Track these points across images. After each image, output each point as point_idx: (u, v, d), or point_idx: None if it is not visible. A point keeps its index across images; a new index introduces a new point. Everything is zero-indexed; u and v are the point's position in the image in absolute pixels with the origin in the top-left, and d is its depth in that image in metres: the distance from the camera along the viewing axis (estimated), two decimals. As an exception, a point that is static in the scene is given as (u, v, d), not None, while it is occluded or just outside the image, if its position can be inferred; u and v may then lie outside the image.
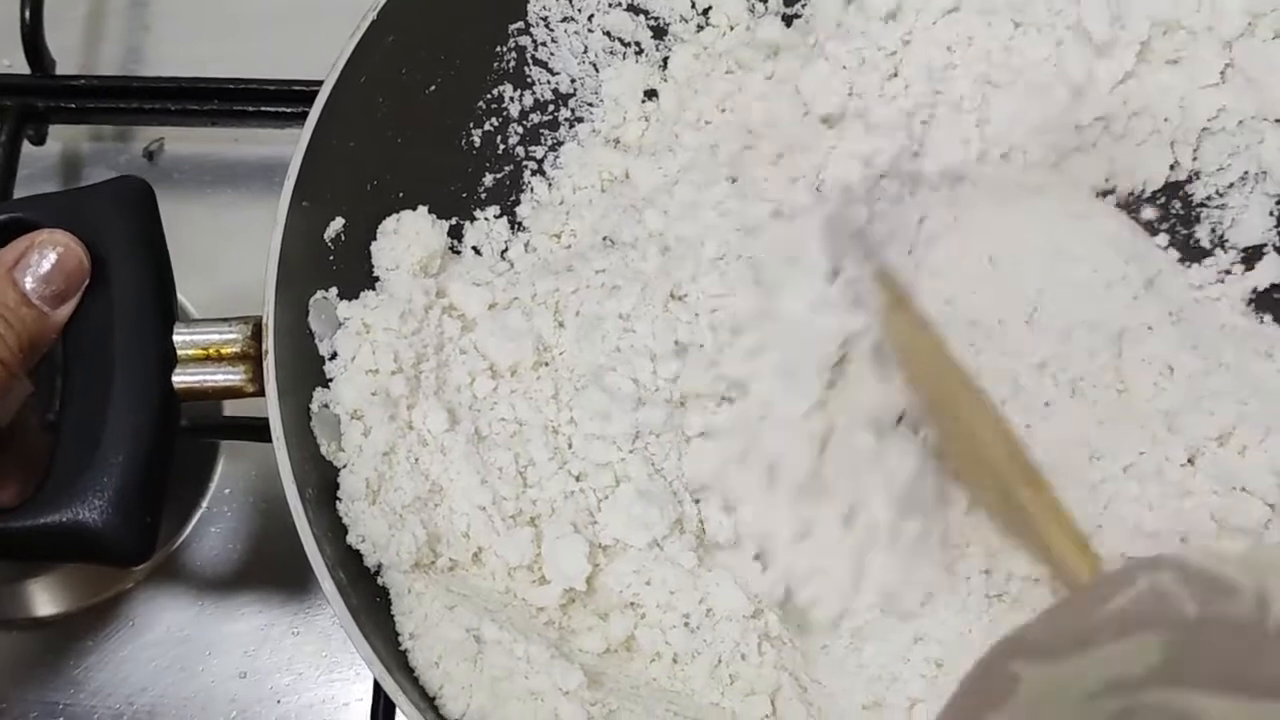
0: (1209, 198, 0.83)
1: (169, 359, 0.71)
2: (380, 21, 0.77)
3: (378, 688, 0.82)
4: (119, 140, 1.04)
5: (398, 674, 0.67)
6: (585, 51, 0.87)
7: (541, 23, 0.86)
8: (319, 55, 0.94)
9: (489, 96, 0.86)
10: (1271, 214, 0.82)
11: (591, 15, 0.87)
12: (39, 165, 1.02)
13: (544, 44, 0.87)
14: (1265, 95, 0.81)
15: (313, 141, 0.75)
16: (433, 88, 0.83)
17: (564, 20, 0.87)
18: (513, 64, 0.86)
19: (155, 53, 1.07)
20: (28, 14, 0.97)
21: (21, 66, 0.99)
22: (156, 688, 0.89)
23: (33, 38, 0.98)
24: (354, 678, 0.89)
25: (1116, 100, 0.82)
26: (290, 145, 0.91)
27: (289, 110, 0.96)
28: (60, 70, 1.01)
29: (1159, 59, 0.82)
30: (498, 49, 0.85)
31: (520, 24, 0.86)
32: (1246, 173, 0.82)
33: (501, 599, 0.74)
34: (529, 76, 0.87)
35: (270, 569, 0.92)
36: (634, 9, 0.87)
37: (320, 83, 0.88)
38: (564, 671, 0.70)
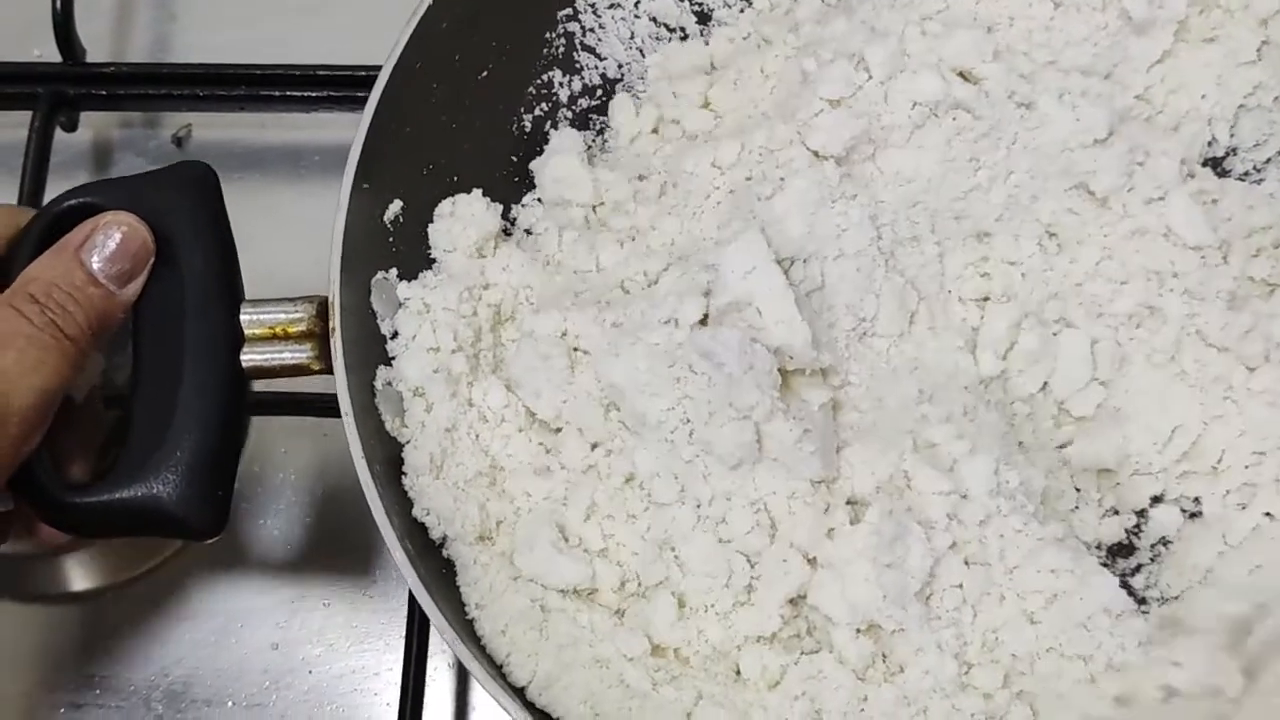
0: (1246, 173, 0.85)
1: (237, 338, 0.72)
2: (435, 7, 0.79)
3: (408, 656, 0.84)
4: (148, 126, 1.06)
5: (468, 642, 0.69)
6: (632, 37, 0.89)
7: (589, 9, 0.88)
8: (343, 41, 0.99)
9: (539, 82, 0.87)
10: (1309, 189, 0.84)
11: (638, 1, 0.89)
12: (70, 152, 1.04)
13: (591, 30, 0.88)
14: (1301, 71, 0.82)
15: (372, 126, 0.76)
16: (485, 74, 0.84)
17: (611, 7, 0.88)
18: (562, 50, 0.88)
19: (183, 41, 1.09)
20: (59, 4, 0.99)
21: (53, 55, 1.01)
22: (191, 660, 0.91)
23: (64, 27, 1.00)
24: (384, 648, 0.90)
25: (1155, 78, 0.83)
26: (317, 130, 0.93)
27: (315, 95, 0.98)
28: (91, 58, 1.03)
29: (1196, 37, 0.84)
30: (547, 35, 0.87)
31: (569, 10, 0.87)
32: (1284, 148, 0.84)
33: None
34: (578, 62, 0.88)
35: (299, 542, 0.94)
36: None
37: (346, 68, 0.93)
38: (628, 638, 0.71)
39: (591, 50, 0.89)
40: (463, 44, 0.82)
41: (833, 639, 0.72)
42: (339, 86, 0.97)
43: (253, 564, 0.93)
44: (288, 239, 0.96)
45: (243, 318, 0.72)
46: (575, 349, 0.78)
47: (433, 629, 0.69)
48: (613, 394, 0.75)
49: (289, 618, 0.91)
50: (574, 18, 0.88)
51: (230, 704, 0.90)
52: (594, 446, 0.76)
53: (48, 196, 0.95)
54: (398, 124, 0.78)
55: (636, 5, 0.89)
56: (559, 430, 0.77)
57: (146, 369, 0.72)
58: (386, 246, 0.79)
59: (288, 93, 0.99)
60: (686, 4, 0.89)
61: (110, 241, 0.70)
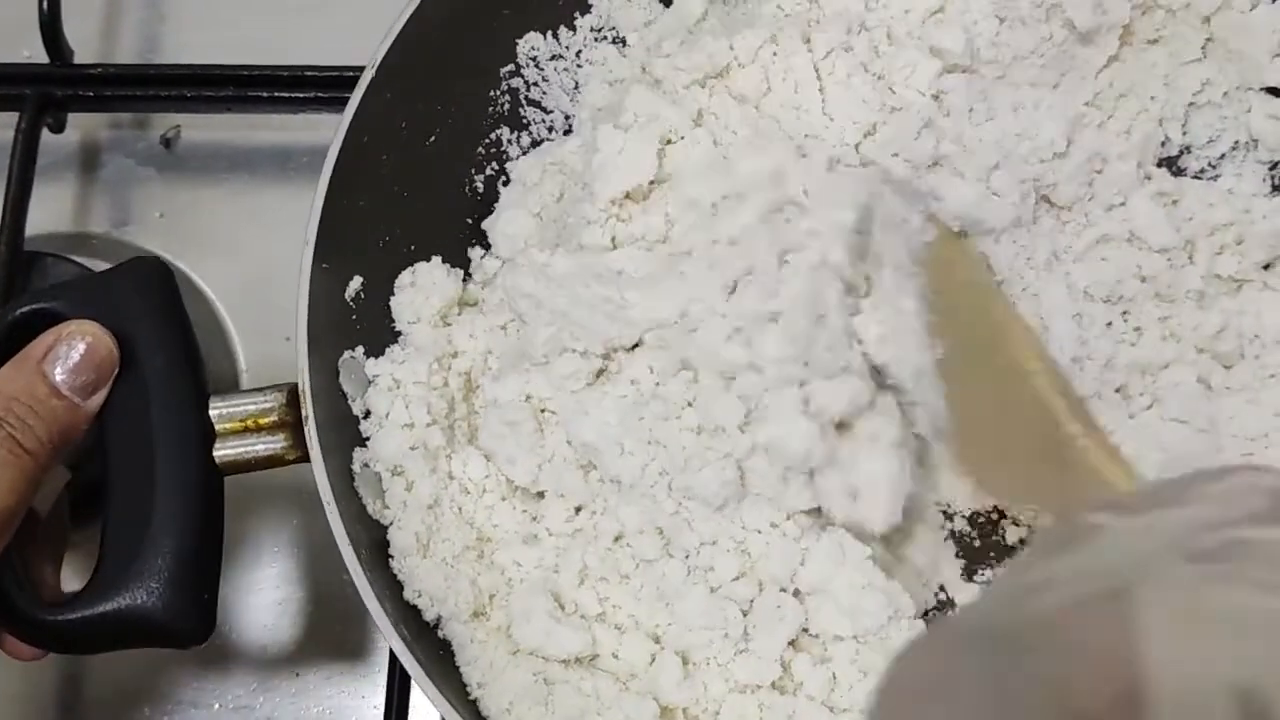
0: (1202, 170, 0.85)
1: (207, 434, 0.71)
2: (378, 79, 0.78)
3: (392, 672, 0.82)
4: (136, 128, 1.05)
5: (475, 725, 0.67)
6: (576, 88, 0.88)
7: (531, 63, 0.87)
8: (331, 42, 0.99)
9: (487, 141, 0.86)
10: (1265, 181, 0.84)
11: (579, 51, 0.88)
12: (58, 154, 1.03)
13: (535, 84, 0.87)
14: (1247, 65, 0.83)
15: (326, 205, 0.75)
16: (433, 138, 0.83)
17: (553, 59, 0.87)
18: (507, 107, 0.87)
19: (172, 41, 1.08)
20: (46, 4, 0.97)
21: (40, 56, 1.00)
22: (177, 662, 0.89)
23: (51, 27, 0.98)
24: (373, 652, 0.89)
25: (1103, 83, 0.83)
26: (305, 131, 0.94)
27: (303, 96, 0.97)
28: (78, 59, 1.02)
29: (1141, 40, 0.84)
30: (491, 93, 0.86)
31: (511, 66, 0.86)
32: (1237, 142, 0.84)
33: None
34: (524, 117, 0.87)
35: (285, 544, 0.92)
36: (619, 41, 0.88)
37: (335, 68, 0.94)
38: (637, 705, 0.70)
39: (537, 104, 0.87)
40: (409, 111, 0.81)
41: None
42: (327, 87, 0.96)
43: (241, 566, 0.91)
44: (276, 241, 0.97)
45: (212, 413, 0.71)
46: (543, 410, 0.77)
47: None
48: (587, 453, 0.74)
49: (276, 619, 0.91)
50: (517, 73, 0.86)
51: (217, 706, 0.89)
52: (578, 510, 0.75)
53: (35, 198, 0.94)
54: (350, 199, 0.77)
55: (578, 55, 0.88)
56: (541, 495, 0.76)
57: (117, 475, 0.70)
58: (350, 325, 0.78)
59: (276, 94, 0.98)
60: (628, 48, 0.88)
61: (74, 353, 0.68)
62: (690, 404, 0.73)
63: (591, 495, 0.75)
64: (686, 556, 0.72)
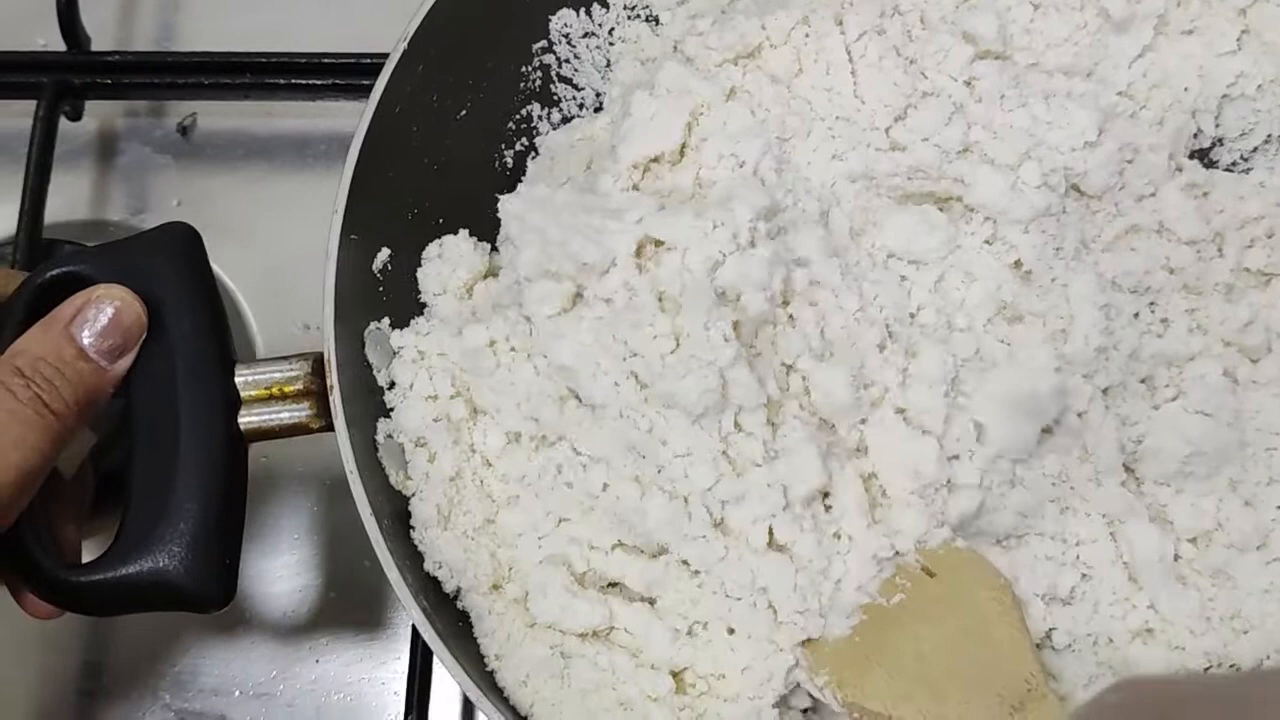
0: (1234, 163, 0.85)
1: (233, 401, 0.71)
2: (410, 51, 0.78)
3: (414, 644, 0.84)
4: (153, 115, 1.06)
5: (491, 695, 0.68)
6: (608, 65, 0.88)
7: (564, 39, 0.87)
8: (348, 28, 1.01)
9: (518, 117, 0.87)
10: (1297, 174, 0.83)
11: (611, 29, 0.87)
12: (76, 141, 1.04)
13: (567, 60, 0.87)
14: (1282, 58, 0.82)
15: (355, 176, 0.75)
16: (464, 112, 0.83)
17: (585, 36, 0.87)
18: (539, 83, 0.87)
19: (188, 29, 1.09)
20: None
21: (58, 44, 1.01)
22: (197, 649, 0.91)
23: (68, 15, 0.99)
24: (390, 636, 0.90)
25: (1136, 73, 0.83)
26: (322, 118, 0.95)
27: (320, 83, 0.98)
28: (95, 47, 1.02)
29: (1175, 30, 0.83)
30: (523, 69, 0.86)
31: (543, 42, 0.86)
32: (1270, 136, 0.84)
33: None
34: (555, 94, 0.88)
35: (305, 531, 0.93)
36: (652, 19, 0.88)
37: (351, 55, 0.94)
38: (651, 679, 0.70)
39: (569, 81, 0.88)
40: (440, 85, 0.81)
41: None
42: (344, 74, 0.97)
43: (260, 552, 0.92)
44: (293, 227, 0.99)
45: (237, 379, 0.71)
46: (512, 349, 0.76)
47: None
48: (565, 377, 0.74)
49: (296, 606, 0.91)
50: (549, 49, 0.87)
51: (237, 693, 0.90)
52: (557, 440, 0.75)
53: (53, 186, 0.95)
54: (380, 171, 0.77)
55: (611, 32, 0.88)
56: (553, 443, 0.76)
57: (142, 439, 0.70)
58: (377, 296, 0.78)
59: (293, 80, 0.98)
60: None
61: (102, 316, 0.68)
62: (664, 311, 0.72)
63: (568, 425, 0.74)
64: (659, 471, 0.72)
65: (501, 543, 0.75)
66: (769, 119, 0.78)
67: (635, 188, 0.77)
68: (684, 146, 0.77)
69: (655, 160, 0.77)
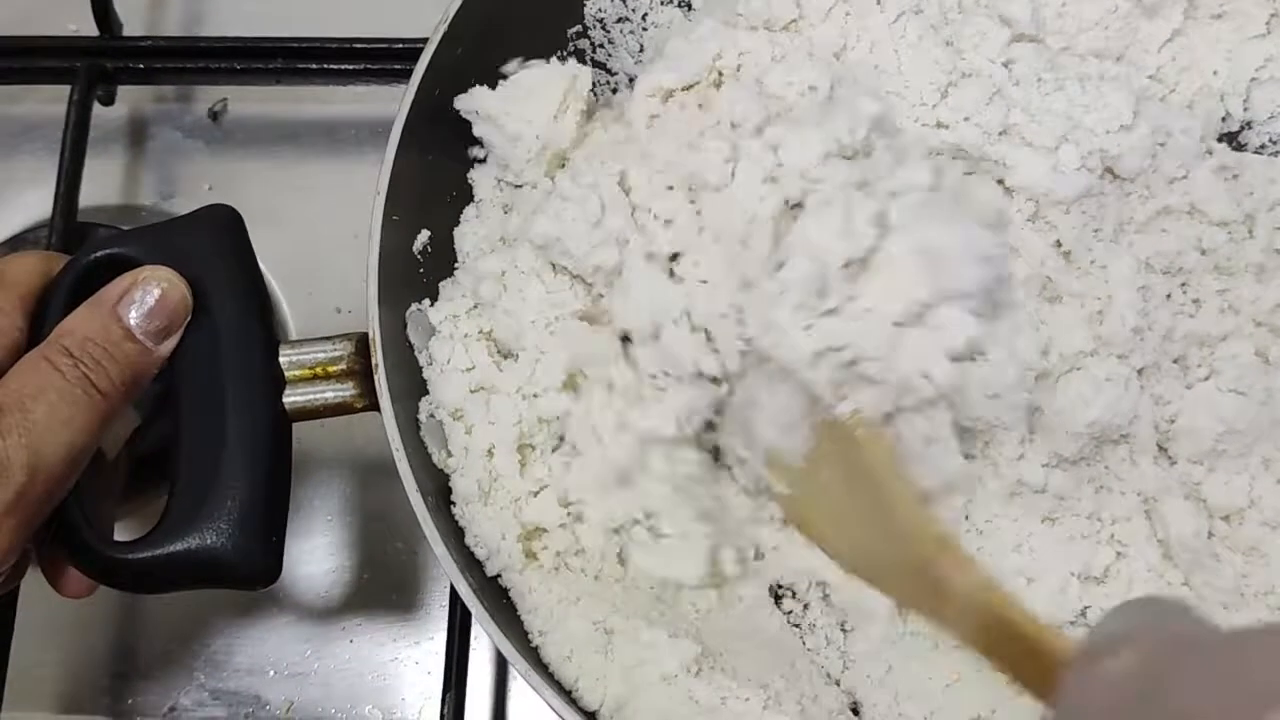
0: (1262, 146, 0.85)
1: (277, 381, 0.72)
2: (450, 33, 0.78)
3: (452, 625, 0.84)
4: (184, 101, 1.06)
5: (539, 670, 0.68)
6: (641, 50, 0.89)
7: (598, 24, 0.88)
8: (380, 13, 1.01)
9: (553, 101, 0.87)
10: (1326, 157, 0.84)
11: (645, 14, 0.88)
12: (108, 127, 1.04)
13: (601, 46, 0.88)
14: (1312, 41, 0.83)
15: (397, 158, 0.75)
16: (501, 96, 0.84)
17: (619, 21, 0.88)
18: (573, 67, 0.87)
19: (218, 14, 1.09)
20: None
21: (90, 30, 1.01)
22: (232, 629, 0.91)
23: (100, 1, 1.00)
24: (425, 617, 0.91)
25: (1166, 57, 0.83)
26: (353, 103, 0.96)
27: (351, 68, 0.98)
28: (127, 32, 1.03)
29: (1205, 14, 0.84)
30: (559, 53, 0.86)
31: (578, 27, 0.87)
32: (1299, 119, 0.85)
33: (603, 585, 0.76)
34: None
35: (340, 512, 0.94)
36: (685, 4, 0.88)
37: (384, 40, 0.95)
38: (686, 649, 0.71)
39: (602, 66, 0.88)
40: (478, 68, 0.81)
41: None
42: (376, 59, 0.97)
43: (294, 534, 0.92)
44: (324, 213, 1.00)
45: (282, 360, 0.72)
46: (521, 273, 0.78)
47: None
48: (548, 245, 0.75)
49: (330, 587, 0.92)
50: (583, 34, 0.87)
51: (272, 673, 0.91)
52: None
53: (87, 172, 0.96)
54: (420, 153, 0.78)
55: (644, 18, 0.88)
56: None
57: (187, 420, 0.71)
58: (418, 278, 0.79)
59: (324, 65, 0.99)
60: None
61: (149, 298, 0.69)
62: None
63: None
64: None
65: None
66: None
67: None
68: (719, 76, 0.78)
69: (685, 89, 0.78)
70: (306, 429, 0.88)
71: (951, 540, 0.68)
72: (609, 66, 0.88)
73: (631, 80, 0.88)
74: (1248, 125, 0.85)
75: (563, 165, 0.81)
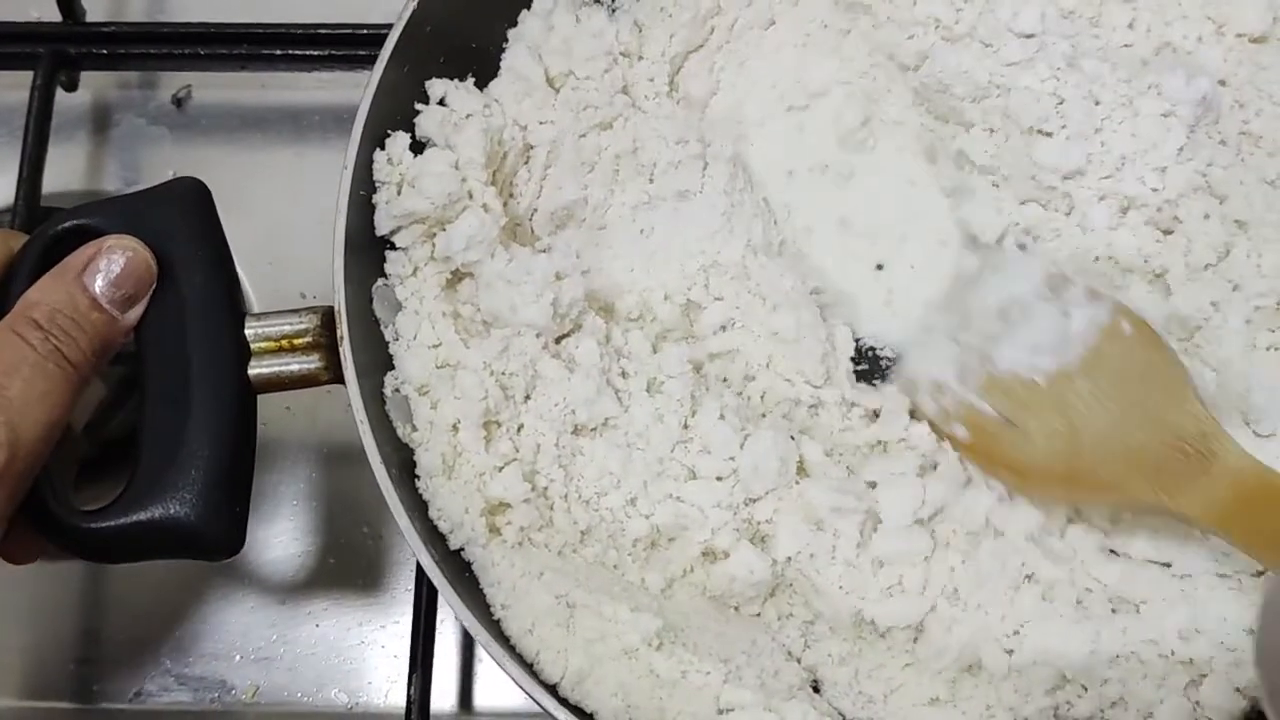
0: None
1: (243, 352, 0.72)
2: (414, 19, 0.79)
3: (417, 609, 0.84)
4: (147, 87, 1.06)
5: (500, 643, 0.69)
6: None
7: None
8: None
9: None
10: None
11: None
12: (72, 113, 1.04)
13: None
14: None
15: (363, 137, 0.76)
16: (471, 79, 0.84)
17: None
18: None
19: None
20: None
21: (53, 15, 1.01)
22: (198, 614, 0.91)
23: None
24: (390, 601, 0.92)
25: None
26: (318, 90, 0.96)
27: (316, 54, 0.98)
28: (90, 18, 1.03)
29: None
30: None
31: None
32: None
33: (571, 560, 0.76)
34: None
35: (305, 496, 0.94)
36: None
37: (348, 26, 0.96)
38: (647, 624, 0.71)
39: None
40: (447, 46, 0.82)
41: None
42: (340, 45, 0.97)
43: (260, 518, 0.93)
44: (289, 200, 1.00)
45: (247, 331, 0.72)
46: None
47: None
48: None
49: (295, 572, 0.92)
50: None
51: (238, 658, 0.91)
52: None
53: (50, 158, 0.96)
54: (388, 128, 0.78)
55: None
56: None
57: (152, 390, 0.71)
58: (383, 255, 0.79)
59: (289, 51, 0.98)
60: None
61: (114, 266, 0.69)
62: None
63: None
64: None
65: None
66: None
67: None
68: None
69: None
70: (272, 414, 0.89)
71: (1211, 417, 0.72)
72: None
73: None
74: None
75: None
